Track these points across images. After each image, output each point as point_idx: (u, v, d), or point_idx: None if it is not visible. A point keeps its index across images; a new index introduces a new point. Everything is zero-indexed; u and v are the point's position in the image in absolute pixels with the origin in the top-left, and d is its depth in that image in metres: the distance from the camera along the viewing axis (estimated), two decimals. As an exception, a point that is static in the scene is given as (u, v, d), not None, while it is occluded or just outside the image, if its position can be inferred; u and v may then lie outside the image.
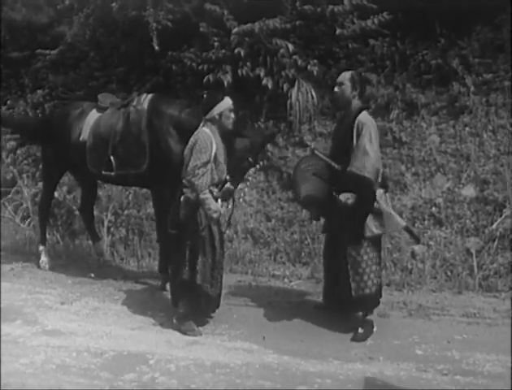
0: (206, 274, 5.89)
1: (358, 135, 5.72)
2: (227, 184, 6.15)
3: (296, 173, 6.41)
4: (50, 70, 11.46)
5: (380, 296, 6.10)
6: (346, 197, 5.67)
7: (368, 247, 5.83)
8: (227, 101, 6.06)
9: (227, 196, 6.21)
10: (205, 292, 5.92)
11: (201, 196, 5.75)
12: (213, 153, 5.84)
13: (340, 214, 5.84)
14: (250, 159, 6.55)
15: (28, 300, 6.90)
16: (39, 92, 11.30)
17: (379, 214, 5.77)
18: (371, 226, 5.76)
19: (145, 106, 7.11)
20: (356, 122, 5.76)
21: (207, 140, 5.84)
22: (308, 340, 5.82)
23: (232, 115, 6.06)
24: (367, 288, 5.85)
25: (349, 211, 5.70)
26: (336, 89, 6.03)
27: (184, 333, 5.94)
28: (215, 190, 5.91)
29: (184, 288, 5.96)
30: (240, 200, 8.68)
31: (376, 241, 5.96)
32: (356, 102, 5.98)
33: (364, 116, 5.84)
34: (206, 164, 5.78)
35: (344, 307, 6.24)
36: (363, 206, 5.71)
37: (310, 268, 7.82)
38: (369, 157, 5.65)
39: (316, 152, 6.04)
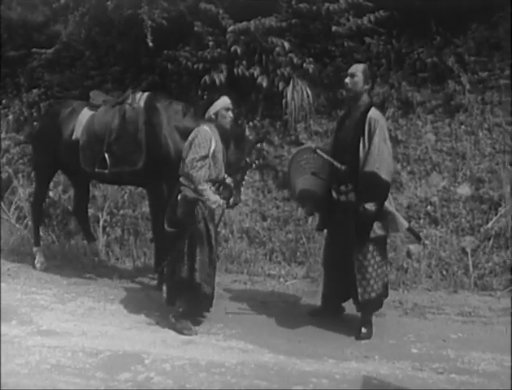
0: (203, 272, 5.90)
1: (370, 132, 5.61)
2: (228, 180, 6.17)
3: (291, 166, 6.39)
4: (46, 69, 11.43)
5: (386, 295, 6.11)
6: (371, 206, 5.55)
7: (374, 250, 5.78)
8: (223, 101, 6.06)
9: (227, 194, 6.23)
10: (203, 290, 5.93)
11: (200, 187, 5.76)
12: (212, 149, 5.86)
13: (344, 215, 5.80)
14: (248, 160, 6.53)
15: (24, 300, 6.90)
16: (34, 91, 11.26)
17: (383, 216, 5.73)
18: (375, 227, 5.71)
19: (142, 104, 7.13)
20: (368, 118, 5.65)
21: (207, 135, 5.87)
22: (304, 340, 5.82)
23: (230, 114, 6.05)
24: (373, 291, 5.83)
25: (358, 214, 5.65)
26: (346, 81, 5.84)
27: (180, 332, 5.94)
28: (212, 188, 5.91)
29: (182, 287, 5.96)
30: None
31: (382, 243, 5.92)
32: (365, 97, 5.87)
33: (375, 113, 5.74)
34: (204, 158, 5.80)
35: (345, 309, 6.25)
36: (379, 210, 5.65)
37: (305, 267, 7.81)
38: (385, 157, 5.59)
39: (318, 151, 5.93)
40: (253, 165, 7.11)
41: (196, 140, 5.84)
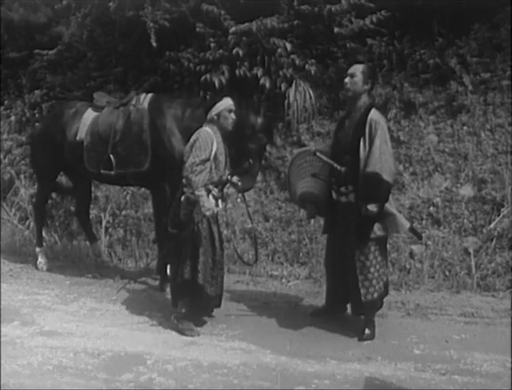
0: (206, 273, 5.89)
1: (371, 133, 5.59)
2: (234, 178, 6.15)
3: (291, 169, 6.39)
4: (48, 70, 11.45)
5: (386, 294, 6.09)
6: (373, 207, 5.53)
7: (376, 251, 5.77)
8: (225, 102, 6.04)
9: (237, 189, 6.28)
10: (205, 291, 5.91)
11: (197, 192, 5.74)
12: (213, 152, 5.83)
13: (345, 216, 5.80)
14: (251, 161, 6.51)
15: (26, 301, 6.91)
16: (37, 92, 11.26)
17: (383, 216, 5.70)
18: (375, 228, 5.69)
19: (146, 105, 7.14)
20: (368, 119, 5.63)
21: (208, 138, 5.84)
22: (306, 341, 5.81)
23: (232, 116, 6.01)
24: (376, 291, 5.82)
25: (360, 215, 5.63)
26: (346, 81, 5.82)
27: (182, 333, 5.93)
28: (215, 190, 5.90)
29: (185, 288, 5.95)
30: (238, 200, 8.68)
31: (383, 243, 5.92)
32: (365, 98, 5.84)
33: (376, 114, 5.73)
34: (204, 162, 5.77)
35: (348, 309, 6.23)
36: (381, 211, 5.64)
37: (307, 268, 7.80)
38: (386, 158, 5.57)
39: (318, 154, 5.92)
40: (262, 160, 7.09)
41: (197, 143, 5.82)
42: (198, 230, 5.87)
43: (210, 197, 5.84)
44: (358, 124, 5.72)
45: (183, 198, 5.88)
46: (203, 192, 5.77)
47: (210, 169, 5.85)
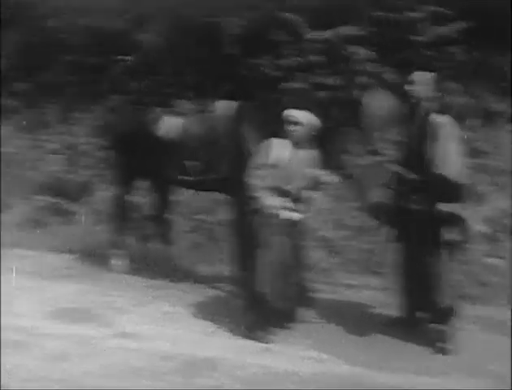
0: (273, 286, 5.83)
1: (436, 135, 5.59)
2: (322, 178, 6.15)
3: (362, 180, 6.38)
4: (127, 76, 11.67)
5: (458, 301, 5.97)
6: (444, 207, 5.49)
7: (449, 256, 5.69)
8: (284, 114, 6.00)
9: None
10: (272, 304, 5.87)
11: (256, 194, 5.76)
12: (272, 158, 5.81)
13: (418, 224, 5.73)
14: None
15: (102, 302, 7.02)
16: (115, 97, 11.48)
17: (456, 221, 5.62)
18: (447, 232, 5.62)
19: (226, 112, 7.20)
20: (432, 122, 5.66)
21: (268, 145, 5.87)
22: (379, 351, 5.75)
23: (290, 127, 5.90)
24: (452, 298, 5.75)
25: (432, 217, 5.57)
26: (408, 87, 5.90)
27: (255, 339, 5.92)
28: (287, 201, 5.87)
29: (254, 299, 5.96)
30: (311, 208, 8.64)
31: (456, 249, 5.81)
32: (427, 104, 5.84)
33: (439, 117, 5.73)
34: (263, 167, 5.79)
35: (424, 319, 6.13)
36: (452, 213, 5.56)
37: (381, 278, 7.72)
38: (452, 158, 5.54)
39: (387, 164, 5.94)
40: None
41: (259, 150, 5.88)
42: (266, 241, 5.83)
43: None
44: (422, 129, 5.74)
45: (246, 208, 5.89)
46: (263, 194, 5.76)
47: (271, 174, 5.82)
